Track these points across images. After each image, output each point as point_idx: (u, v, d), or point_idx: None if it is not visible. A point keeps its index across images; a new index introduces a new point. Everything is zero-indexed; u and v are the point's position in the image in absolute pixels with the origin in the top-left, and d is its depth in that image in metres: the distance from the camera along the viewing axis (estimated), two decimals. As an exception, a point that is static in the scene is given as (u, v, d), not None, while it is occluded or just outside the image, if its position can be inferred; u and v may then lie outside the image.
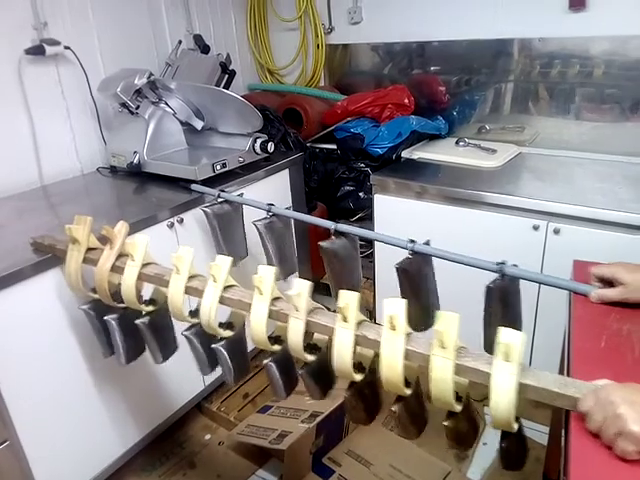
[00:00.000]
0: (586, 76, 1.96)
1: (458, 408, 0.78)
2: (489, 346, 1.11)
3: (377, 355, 0.82)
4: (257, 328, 0.91)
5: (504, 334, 0.70)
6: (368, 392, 0.91)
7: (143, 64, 1.93)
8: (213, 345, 1.00)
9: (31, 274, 1.26)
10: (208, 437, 1.84)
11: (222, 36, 2.48)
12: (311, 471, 1.66)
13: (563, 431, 0.76)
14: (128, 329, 1.17)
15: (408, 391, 0.82)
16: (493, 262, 1.06)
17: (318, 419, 1.66)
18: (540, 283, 1.05)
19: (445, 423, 0.81)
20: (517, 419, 0.73)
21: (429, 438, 0.85)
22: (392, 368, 0.78)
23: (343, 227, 1.29)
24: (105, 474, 1.56)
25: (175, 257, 1.01)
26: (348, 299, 0.82)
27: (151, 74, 1.81)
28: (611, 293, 0.93)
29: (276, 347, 0.95)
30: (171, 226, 1.57)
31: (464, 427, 0.83)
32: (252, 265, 0.98)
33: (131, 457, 1.65)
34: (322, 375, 0.96)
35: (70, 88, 1.89)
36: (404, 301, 0.79)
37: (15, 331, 1.26)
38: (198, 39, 2.19)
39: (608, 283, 0.95)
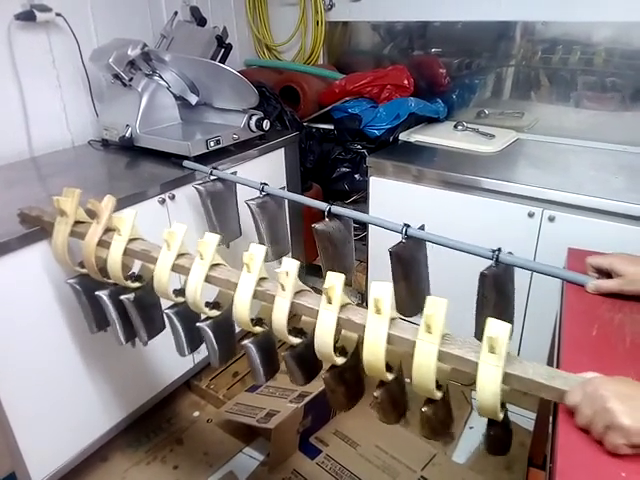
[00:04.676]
0: (587, 63, 1.93)
1: (438, 395, 0.77)
2: (481, 334, 1.10)
3: (361, 339, 0.81)
4: (241, 306, 0.89)
5: (491, 326, 0.69)
6: (350, 377, 0.90)
7: (137, 35, 1.87)
8: (198, 323, 0.98)
9: (17, 247, 1.23)
10: (196, 414, 1.84)
11: (219, 9, 2.41)
12: (298, 450, 1.68)
13: (551, 418, 0.76)
14: (121, 306, 1.14)
15: (390, 376, 0.81)
16: (488, 249, 1.04)
17: (306, 399, 1.67)
18: (536, 272, 1.03)
19: (423, 409, 0.80)
20: (503, 406, 0.73)
21: (416, 420, 0.85)
22: (374, 352, 0.77)
23: (337, 209, 1.26)
24: (91, 449, 1.56)
25: (167, 233, 0.99)
26: (334, 280, 0.81)
27: (145, 45, 1.76)
28: (608, 284, 0.92)
29: (258, 329, 0.93)
30: (162, 202, 1.55)
31: (441, 416, 0.82)
32: (244, 246, 0.96)
33: (118, 433, 1.64)
34: (307, 361, 0.94)
35: (61, 57, 1.83)
36: (390, 285, 0.78)
37: (1, 304, 1.24)
38: (195, 11, 2.12)
39: (605, 274, 0.94)
